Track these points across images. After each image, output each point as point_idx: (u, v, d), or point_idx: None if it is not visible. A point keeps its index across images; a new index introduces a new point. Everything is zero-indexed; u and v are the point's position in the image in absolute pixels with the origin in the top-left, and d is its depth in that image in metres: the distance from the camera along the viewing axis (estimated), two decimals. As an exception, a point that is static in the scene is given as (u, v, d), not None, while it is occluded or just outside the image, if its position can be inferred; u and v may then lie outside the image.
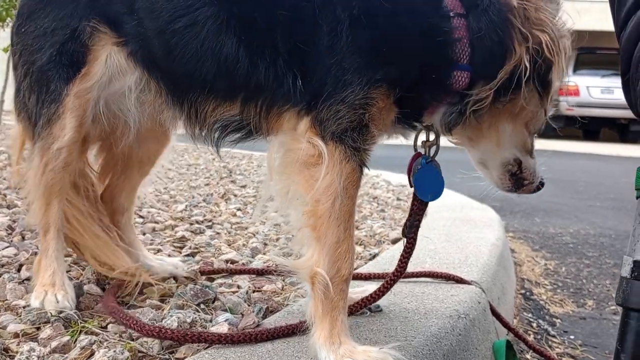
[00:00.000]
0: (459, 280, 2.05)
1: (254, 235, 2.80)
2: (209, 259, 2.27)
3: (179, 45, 1.47)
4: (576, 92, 15.35)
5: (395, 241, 2.89)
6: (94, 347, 1.35)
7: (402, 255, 1.60)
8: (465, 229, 3.17)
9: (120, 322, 1.46)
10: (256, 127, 1.48)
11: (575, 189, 7.57)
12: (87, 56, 1.58)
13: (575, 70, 15.31)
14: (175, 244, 2.47)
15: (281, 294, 1.89)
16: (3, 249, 2.10)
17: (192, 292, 1.71)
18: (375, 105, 1.33)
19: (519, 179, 1.60)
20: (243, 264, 2.24)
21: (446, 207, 4.00)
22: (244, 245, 2.58)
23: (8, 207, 2.77)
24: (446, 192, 4.39)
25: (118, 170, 1.91)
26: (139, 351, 1.36)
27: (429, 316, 1.67)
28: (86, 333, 1.44)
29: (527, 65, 1.36)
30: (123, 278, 1.74)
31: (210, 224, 2.98)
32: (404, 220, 3.50)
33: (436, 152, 1.58)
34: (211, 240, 2.57)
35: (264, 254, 2.46)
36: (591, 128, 16.88)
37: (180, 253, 2.35)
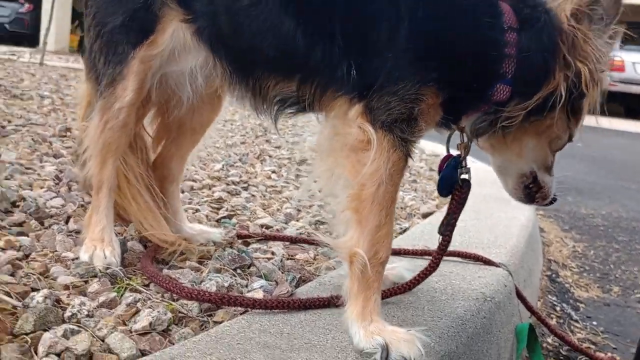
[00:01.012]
0: (488, 262, 2.09)
1: (288, 200, 2.87)
2: (244, 222, 2.35)
3: (244, 23, 1.53)
4: (621, 68, 14.91)
5: (425, 215, 2.93)
6: (139, 305, 1.44)
7: (436, 252, 1.65)
8: (496, 207, 3.19)
9: (161, 285, 1.54)
10: (310, 105, 1.54)
11: (611, 169, 7.45)
12: (155, 26, 1.66)
13: (622, 45, 14.83)
14: (212, 205, 2.55)
15: (313, 263, 1.96)
16: (51, 199, 2.20)
17: (229, 257, 1.79)
18: (425, 101, 1.36)
19: (531, 192, 1.67)
20: (277, 230, 2.32)
21: (477, 181, 3.99)
22: (278, 210, 2.65)
23: (54, 156, 2.87)
24: (479, 166, 4.41)
25: (171, 138, 1.99)
26: (180, 312, 1.44)
27: (456, 297, 1.72)
28: (131, 290, 1.53)
29: (563, 93, 1.40)
30: (163, 245, 1.82)
31: (246, 185, 3.06)
32: (435, 193, 3.53)
33: (466, 154, 1.62)
34: (247, 203, 2.65)
35: (297, 220, 2.53)
36: (634, 106, 16.43)
37: (218, 214, 2.43)
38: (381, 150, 1.34)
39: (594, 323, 2.61)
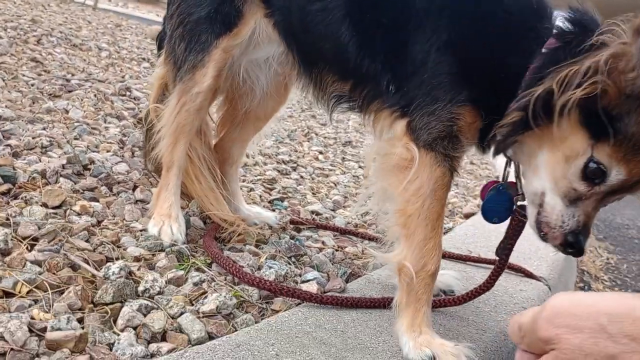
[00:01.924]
0: (529, 275, 2.15)
1: (335, 185, 2.95)
2: (295, 205, 2.44)
3: (312, 24, 1.63)
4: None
5: (468, 216, 2.98)
6: (204, 285, 1.53)
7: (492, 273, 1.69)
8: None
9: (223, 268, 1.64)
10: (361, 108, 1.63)
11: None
12: (239, 19, 1.75)
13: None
14: (265, 185, 2.64)
15: (361, 257, 2.04)
16: (117, 164, 2.31)
17: (286, 246, 1.88)
18: (462, 120, 1.41)
19: (540, 220, 1.40)
20: (327, 218, 2.40)
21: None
22: (326, 195, 2.73)
23: (117, 117, 2.97)
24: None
25: (235, 124, 2.08)
26: (241, 297, 1.54)
27: (499, 310, 1.79)
28: (196, 270, 1.63)
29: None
30: (222, 224, 1.91)
31: (295, 165, 3.14)
32: (478, 190, 3.57)
33: (506, 178, 1.60)
34: (297, 186, 2.73)
35: (344, 208, 2.61)
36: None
37: (270, 195, 2.52)
38: (424, 167, 1.40)
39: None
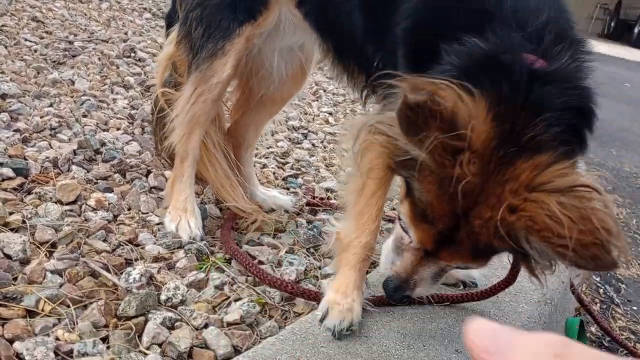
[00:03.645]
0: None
1: (347, 152, 2.90)
2: (310, 183, 2.40)
3: (339, 15, 1.58)
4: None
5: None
6: (226, 289, 1.52)
7: (512, 265, 1.65)
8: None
9: (243, 266, 1.62)
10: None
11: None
12: (265, 7, 1.68)
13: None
14: (278, 159, 2.60)
15: (379, 242, 2.02)
16: (128, 143, 2.27)
17: (304, 236, 1.86)
18: None
19: None
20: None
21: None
22: (339, 167, 2.69)
23: (124, 86, 2.90)
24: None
25: (250, 108, 2.00)
26: (266, 303, 1.52)
27: (519, 300, 1.79)
28: (216, 270, 1.61)
29: None
30: (239, 213, 1.88)
31: (305, 132, 3.08)
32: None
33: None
34: (310, 158, 2.69)
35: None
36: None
37: (284, 171, 2.48)
38: (369, 150, 1.37)
39: (634, 308, 2.66)
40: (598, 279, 2.88)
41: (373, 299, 1.57)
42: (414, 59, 1.36)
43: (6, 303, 1.28)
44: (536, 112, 1.12)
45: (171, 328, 1.35)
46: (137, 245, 1.64)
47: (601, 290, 2.77)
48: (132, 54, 3.50)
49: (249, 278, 1.61)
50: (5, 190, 1.71)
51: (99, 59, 3.23)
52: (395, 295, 1.34)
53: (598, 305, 2.62)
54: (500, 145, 1.10)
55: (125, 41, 3.73)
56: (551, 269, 1.22)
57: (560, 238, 1.01)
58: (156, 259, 1.60)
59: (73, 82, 2.73)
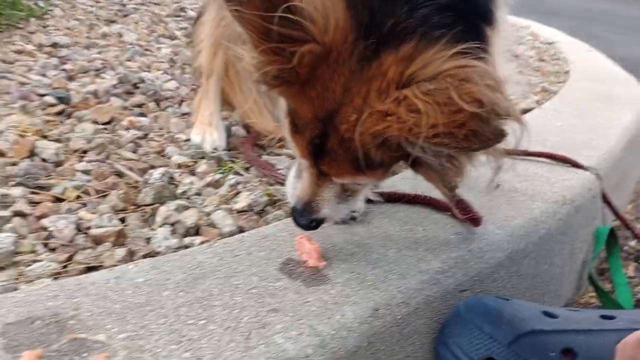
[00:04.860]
0: (575, 165, 2.11)
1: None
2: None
3: None
4: None
5: (523, 112, 2.91)
6: (239, 187, 1.63)
7: None
8: (602, 107, 3.09)
9: (258, 168, 1.73)
10: None
11: None
12: None
13: None
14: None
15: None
16: (167, 81, 2.42)
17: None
18: None
19: None
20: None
21: (589, 77, 3.85)
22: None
23: (170, 37, 3.07)
24: (594, 56, 4.16)
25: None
26: (274, 196, 1.62)
27: (535, 199, 1.79)
28: (233, 173, 1.72)
29: None
30: (264, 133, 1.99)
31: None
32: (540, 86, 3.45)
33: None
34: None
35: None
36: None
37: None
38: None
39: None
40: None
41: (383, 193, 1.64)
42: None
43: (38, 191, 1.45)
44: None
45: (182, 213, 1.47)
46: (163, 156, 1.78)
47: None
48: (182, 14, 3.68)
49: (263, 179, 1.71)
50: (47, 114, 1.89)
51: (150, 17, 3.42)
52: (301, 220, 1.21)
53: (643, 224, 2.56)
54: (359, 37, 0.98)
55: (177, 2, 3.91)
56: (456, 172, 1.09)
57: (432, 128, 0.91)
58: (179, 166, 1.73)
59: (121, 35, 2.92)
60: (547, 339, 1.11)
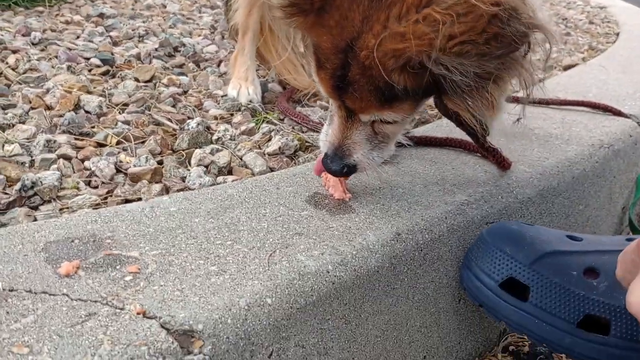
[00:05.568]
0: (617, 113, 2.07)
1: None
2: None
3: None
4: None
5: (567, 67, 2.86)
6: (272, 133, 1.68)
7: None
8: (650, 62, 3.00)
9: (292, 118, 1.77)
10: None
11: None
12: None
13: None
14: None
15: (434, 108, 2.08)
16: (207, 46, 2.48)
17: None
18: None
19: None
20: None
21: (637, 35, 3.73)
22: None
23: (212, 7, 3.14)
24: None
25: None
26: (306, 141, 1.67)
27: (570, 142, 1.77)
28: (267, 123, 1.77)
29: None
30: (299, 89, 2.03)
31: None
32: (587, 46, 3.37)
33: None
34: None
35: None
36: None
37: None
38: None
39: None
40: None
41: (414, 137, 1.65)
42: None
43: (81, 137, 1.54)
44: None
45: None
46: (200, 109, 1.85)
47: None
48: (225, -13, 3.74)
49: (296, 127, 1.75)
50: (92, 74, 1.99)
51: (193, -9, 3.50)
52: (333, 165, 1.18)
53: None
54: None
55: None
56: (486, 104, 1.07)
57: (452, 39, 0.91)
58: (215, 118, 1.80)
59: (165, 6, 3.01)
60: (570, 259, 1.12)
